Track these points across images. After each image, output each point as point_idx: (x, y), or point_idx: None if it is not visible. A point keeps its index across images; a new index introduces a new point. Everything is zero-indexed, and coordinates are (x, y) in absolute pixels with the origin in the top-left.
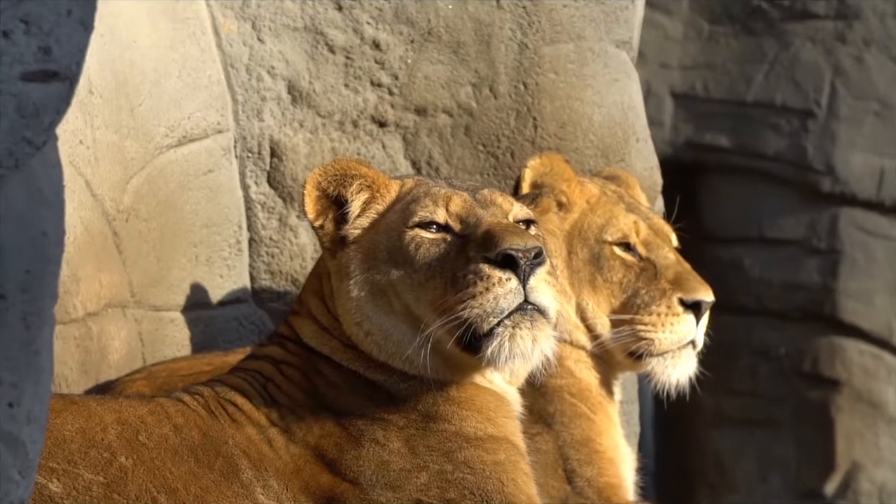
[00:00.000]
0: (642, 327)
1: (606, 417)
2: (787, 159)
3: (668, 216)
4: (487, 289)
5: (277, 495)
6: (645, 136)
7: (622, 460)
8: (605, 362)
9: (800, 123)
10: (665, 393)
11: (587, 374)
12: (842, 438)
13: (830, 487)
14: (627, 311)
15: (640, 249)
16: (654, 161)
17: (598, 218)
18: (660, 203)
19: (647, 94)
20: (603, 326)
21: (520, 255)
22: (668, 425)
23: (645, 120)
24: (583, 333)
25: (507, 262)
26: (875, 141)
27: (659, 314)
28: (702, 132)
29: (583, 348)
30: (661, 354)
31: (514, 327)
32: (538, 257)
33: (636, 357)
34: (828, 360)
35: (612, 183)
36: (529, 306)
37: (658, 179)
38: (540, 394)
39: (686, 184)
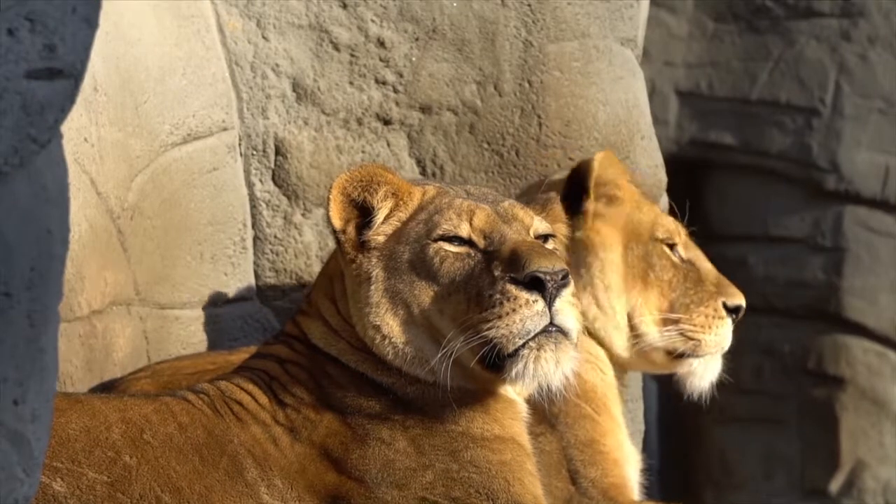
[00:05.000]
0: (691, 328)
1: (611, 418)
2: (792, 157)
3: (672, 215)
4: (514, 310)
5: (282, 494)
6: (650, 134)
7: (626, 461)
8: (627, 364)
9: (804, 121)
10: (692, 395)
11: (593, 374)
12: (846, 436)
13: (835, 485)
14: (675, 312)
15: (681, 251)
16: (658, 159)
17: (644, 216)
18: (664, 201)
19: (652, 92)
20: (647, 326)
21: (547, 277)
22: (672, 423)
23: (650, 118)
24: (623, 334)
25: (535, 284)
26: (880, 139)
27: (707, 316)
28: (706, 130)
29: (609, 348)
30: (703, 356)
31: (538, 349)
32: (564, 279)
33: (676, 357)
34: (832, 358)
35: None
36: (554, 328)
37: (663, 177)
38: None
39: (691, 182)
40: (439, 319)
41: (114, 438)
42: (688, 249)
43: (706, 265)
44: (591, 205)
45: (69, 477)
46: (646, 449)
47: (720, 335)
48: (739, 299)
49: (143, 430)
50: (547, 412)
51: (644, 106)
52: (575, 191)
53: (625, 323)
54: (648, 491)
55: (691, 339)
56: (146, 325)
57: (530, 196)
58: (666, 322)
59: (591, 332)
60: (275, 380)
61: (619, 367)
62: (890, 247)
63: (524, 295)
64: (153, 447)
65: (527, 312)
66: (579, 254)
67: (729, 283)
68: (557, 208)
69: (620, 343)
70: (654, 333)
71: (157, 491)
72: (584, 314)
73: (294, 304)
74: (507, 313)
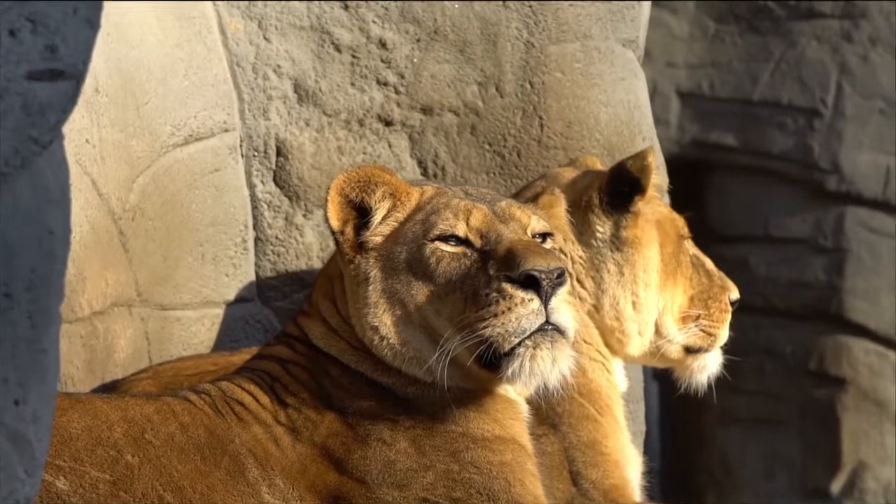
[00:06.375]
0: (710, 324)
1: (613, 420)
2: (794, 158)
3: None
4: (510, 308)
5: (283, 494)
6: (651, 135)
7: (628, 463)
8: (633, 360)
9: (806, 122)
10: (698, 390)
11: (599, 374)
12: (848, 437)
13: (836, 486)
14: (694, 308)
15: (688, 246)
16: (660, 160)
17: (668, 213)
18: (666, 202)
19: (654, 93)
20: (670, 324)
21: (543, 276)
22: (674, 424)
23: (651, 119)
24: (649, 333)
25: (530, 283)
26: (881, 139)
27: (721, 311)
28: (708, 131)
29: (621, 347)
30: (713, 351)
31: (534, 348)
32: (560, 278)
33: (692, 353)
34: (834, 359)
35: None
36: (550, 327)
37: (664, 178)
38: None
39: (692, 182)
40: (436, 319)
41: (116, 437)
42: (691, 245)
43: (708, 260)
44: (642, 203)
45: (72, 475)
46: (647, 450)
47: (726, 329)
48: (737, 292)
49: (145, 430)
50: (549, 412)
51: (645, 107)
52: (617, 187)
53: (653, 321)
54: (650, 492)
55: (710, 334)
56: (147, 326)
57: (527, 195)
58: (686, 319)
59: (603, 331)
60: (276, 380)
61: (625, 361)
62: (891, 247)
63: (519, 293)
64: (155, 447)
65: (522, 311)
66: (625, 252)
67: (726, 277)
68: (546, 198)
69: (640, 342)
70: (675, 331)
71: (160, 490)
72: (617, 313)
73: (295, 305)
74: (503, 312)
